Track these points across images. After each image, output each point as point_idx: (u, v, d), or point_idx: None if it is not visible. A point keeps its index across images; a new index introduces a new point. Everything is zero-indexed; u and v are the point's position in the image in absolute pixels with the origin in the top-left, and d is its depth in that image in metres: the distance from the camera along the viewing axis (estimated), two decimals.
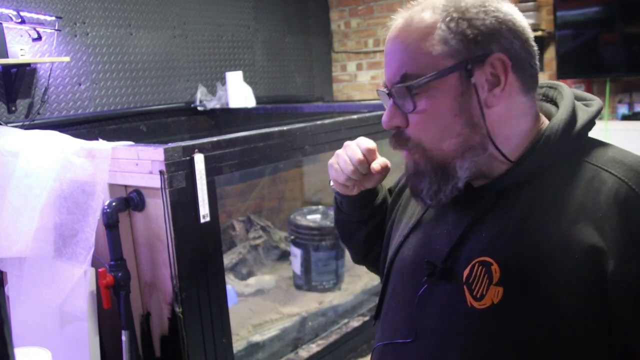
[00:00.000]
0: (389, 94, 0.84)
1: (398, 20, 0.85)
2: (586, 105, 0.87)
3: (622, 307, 0.73)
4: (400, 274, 0.96)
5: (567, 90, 0.88)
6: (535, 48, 0.84)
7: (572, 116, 0.83)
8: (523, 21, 0.83)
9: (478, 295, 0.80)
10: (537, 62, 0.84)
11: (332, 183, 1.06)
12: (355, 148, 1.00)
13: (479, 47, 0.79)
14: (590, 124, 0.84)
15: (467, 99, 0.80)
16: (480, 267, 0.80)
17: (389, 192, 1.16)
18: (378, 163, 0.99)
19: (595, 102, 0.87)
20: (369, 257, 1.18)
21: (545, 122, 0.86)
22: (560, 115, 0.83)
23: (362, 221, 1.12)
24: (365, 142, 1.00)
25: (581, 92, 0.91)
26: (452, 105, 0.80)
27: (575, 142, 0.82)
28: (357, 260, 1.21)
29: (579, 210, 0.77)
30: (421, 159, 0.84)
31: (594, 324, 0.74)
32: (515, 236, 0.79)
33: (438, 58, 0.79)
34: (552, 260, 0.76)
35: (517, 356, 0.78)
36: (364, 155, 0.99)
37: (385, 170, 1.01)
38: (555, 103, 0.90)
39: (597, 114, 0.85)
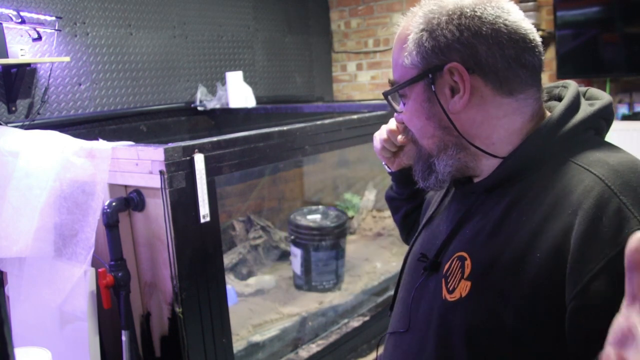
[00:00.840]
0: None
1: (398, 28, 0.92)
2: (590, 104, 0.86)
3: (574, 311, 0.71)
4: (408, 267, 1.01)
5: (571, 90, 0.87)
6: (529, 45, 0.82)
7: (565, 115, 0.82)
8: (514, 23, 0.82)
9: (450, 288, 0.84)
10: (530, 62, 0.82)
11: (383, 162, 1.24)
12: (382, 129, 1.15)
13: (436, 57, 0.83)
14: (585, 123, 0.82)
15: (433, 105, 0.86)
16: (457, 262, 0.84)
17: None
18: (401, 137, 1.10)
19: (599, 101, 0.86)
20: (409, 237, 1.27)
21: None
22: (552, 114, 0.83)
23: (403, 199, 1.26)
24: (388, 124, 1.14)
25: (596, 92, 0.90)
26: (421, 110, 0.87)
27: (566, 141, 0.81)
28: (404, 238, 1.33)
29: (552, 209, 0.76)
30: (417, 148, 0.94)
31: (550, 328, 0.73)
32: (492, 234, 0.80)
33: (407, 68, 0.87)
34: (517, 258, 0.76)
35: (474, 350, 0.79)
36: (387, 134, 1.13)
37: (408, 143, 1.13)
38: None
39: (598, 113, 0.84)
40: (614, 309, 0.69)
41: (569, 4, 3.45)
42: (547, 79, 3.70)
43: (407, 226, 1.28)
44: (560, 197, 0.76)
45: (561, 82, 0.93)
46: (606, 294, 0.68)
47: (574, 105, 0.84)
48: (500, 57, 0.81)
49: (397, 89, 0.89)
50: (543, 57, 0.85)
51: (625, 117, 3.45)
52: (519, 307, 0.74)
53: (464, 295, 0.80)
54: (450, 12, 0.82)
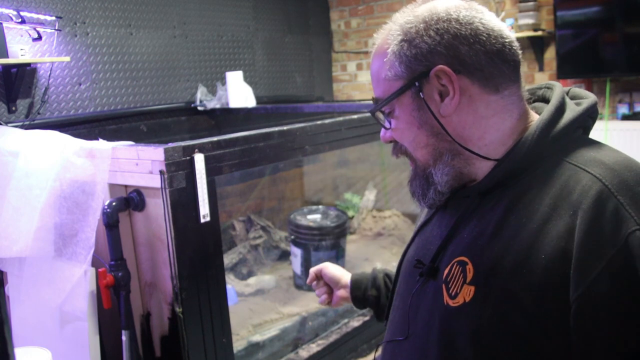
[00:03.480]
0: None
1: (373, 46, 0.92)
2: (577, 104, 0.87)
3: (578, 313, 0.71)
4: (403, 274, 1.00)
5: (558, 90, 0.88)
6: (506, 41, 0.83)
7: (555, 115, 0.82)
8: (488, 22, 0.83)
9: (453, 294, 0.82)
10: (510, 57, 0.84)
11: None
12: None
13: (420, 64, 0.83)
14: (575, 122, 0.83)
15: (423, 113, 0.85)
16: (457, 267, 0.83)
17: None
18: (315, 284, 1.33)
19: (586, 100, 0.87)
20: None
21: (534, 120, 0.87)
22: (542, 115, 0.83)
23: (374, 305, 1.28)
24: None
25: (579, 91, 0.91)
26: (411, 120, 0.87)
27: (558, 141, 0.82)
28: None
29: (551, 210, 0.76)
30: (413, 164, 0.93)
31: (558, 328, 0.73)
32: (493, 237, 0.80)
33: (391, 81, 0.86)
34: (520, 261, 0.75)
35: (481, 354, 0.78)
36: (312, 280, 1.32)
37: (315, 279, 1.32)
38: (549, 102, 0.90)
39: (586, 112, 0.85)
40: (617, 307, 0.69)
41: (569, 3, 3.45)
42: (547, 79, 3.70)
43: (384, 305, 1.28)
44: (560, 197, 0.76)
45: (544, 83, 0.94)
46: (609, 293, 0.69)
47: (563, 106, 0.84)
48: (483, 54, 0.82)
49: (385, 103, 0.88)
50: (520, 53, 0.86)
51: (625, 117, 3.45)
52: (526, 309, 0.74)
53: (467, 300, 0.80)
54: (427, 19, 0.83)
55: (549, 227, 0.75)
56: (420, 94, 0.84)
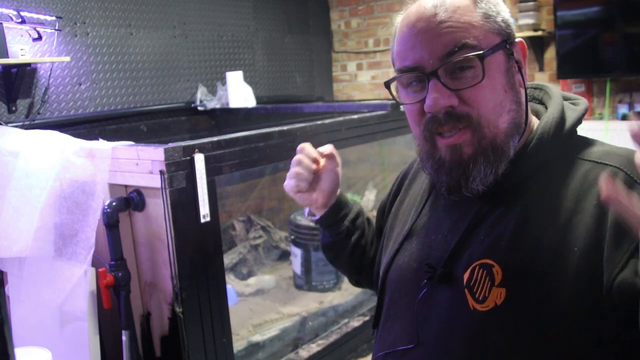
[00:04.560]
0: (432, 73, 0.79)
1: (423, 3, 0.81)
2: (573, 104, 0.89)
3: (618, 287, 0.71)
4: (397, 281, 0.95)
5: (555, 90, 0.90)
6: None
7: (562, 116, 0.84)
8: None
9: (480, 298, 0.79)
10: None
11: (306, 213, 1.11)
12: (293, 160, 1.04)
13: (510, 29, 0.84)
14: (578, 122, 0.86)
15: (512, 77, 0.82)
16: (481, 270, 0.80)
17: (380, 209, 1.15)
18: (323, 160, 1.03)
19: (582, 101, 0.90)
20: (362, 275, 1.17)
21: (533, 120, 0.88)
22: (552, 114, 0.84)
23: (343, 237, 1.11)
24: (303, 150, 1.03)
25: (566, 93, 0.94)
26: (503, 80, 0.80)
27: (566, 140, 0.84)
28: (353, 281, 1.22)
29: (575, 204, 0.77)
30: (474, 139, 0.80)
31: (592, 319, 0.74)
32: (516, 238, 0.79)
33: (488, 33, 0.80)
34: (552, 258, 0.76)
35: (521, 357, 0.77)
36: (303, 159, 1.02)
37: (329, 156, 1.04)
38: (542, 103, 0.92)
39: (585, 113, 0.88)
40: None
41: (569, 3, 3.45)
42: (547, 79, 3.70)
43: (356, 261, 1.14)
44: (581, 191, 0.77)
45: (533, 83, 0.95)
46: None
47: (563, 107, 0.86)
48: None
49: (492, 51, 0.78)
50: None
51: (625, 117, 3.45)
52: (565, 303, 0.74)
53: (499, 303, 0.78)
54: None
55: (575, 222, 0.76)
56: (514, 55, 0.83)
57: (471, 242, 0.83)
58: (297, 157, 1.03)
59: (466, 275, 0.81)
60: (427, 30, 0.79)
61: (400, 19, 0.85)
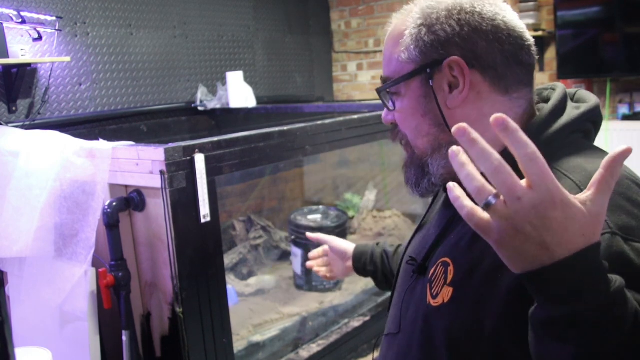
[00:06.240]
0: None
1: (390, 25, 0.90)
2: (576, 107, 0.85)
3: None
4: (402, 271, 1.02)
5: (558, 92, 0.86)
6: (525, 44, 0.83)
7: (549, 118, 0.81)
8: (511, 21, 0.82)
9: (434, 294, 0.84)
10: (526, 60, 0.83)
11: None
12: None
13: (436, 52, 0.82)
14: (568, 127, 0.81)
15: (430, 101, 0.84)
16: (441, 267, 0.84)
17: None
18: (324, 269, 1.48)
19: (585, 104, 0.85)
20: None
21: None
22: (535, 118, 0.82)
23: (374, 277, 1.42)
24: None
25: (585, 94, 0.89)
26: (417, 107, 0.86)
27: (549, 145, 0.79)
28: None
29: None
30: (409, 152, 0.92)
31: (525, 332, 0.71)
32: (474, 239, 0.79)
33: (403, 63, 0.85)
34: (495, 266, 0.74)
35: (455, 354, 0.79)
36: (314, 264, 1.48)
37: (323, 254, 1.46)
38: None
39: (583, 117, 0.83)
40: None
41: (569, 4, 3.45)
42: (547, 79, 3.70)
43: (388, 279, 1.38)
44: None
45: (550, 84, 0.93)
46: None
47: (559, 109, 0.83)
48: (499, 53, 0.81)
49: (394, 84, 0.86)
50: (537, 57, 0.85)
51: (625, 117, 3.45)
52: (497, 313, 0.74)
53: (446, 300, 0.81)
54: (450, 8, 0.82)
55: None
56: (430, 81, 0.83)
57: (444, 240, 0.88)
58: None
59: (431, 271, 0.87)
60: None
61: None
